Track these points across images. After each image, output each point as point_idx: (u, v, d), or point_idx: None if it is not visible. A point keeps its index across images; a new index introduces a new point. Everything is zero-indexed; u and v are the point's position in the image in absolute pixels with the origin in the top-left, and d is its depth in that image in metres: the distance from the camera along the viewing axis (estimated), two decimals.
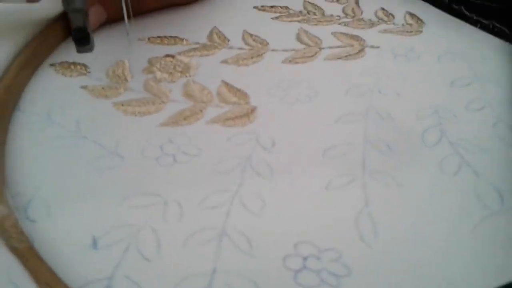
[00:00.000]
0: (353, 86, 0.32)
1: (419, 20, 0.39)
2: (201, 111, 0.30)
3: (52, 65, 0.33)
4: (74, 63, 0.33)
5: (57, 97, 0.30)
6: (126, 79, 0.32)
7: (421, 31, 0.38)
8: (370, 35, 0.37)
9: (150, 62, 0.34)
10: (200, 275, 0.20)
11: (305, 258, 0.21)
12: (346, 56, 0.35)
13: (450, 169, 0.26)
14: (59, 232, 0.22)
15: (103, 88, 0.31)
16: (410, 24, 0.39)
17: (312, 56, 0.35)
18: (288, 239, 0.22)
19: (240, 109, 0.30)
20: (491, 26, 0.38)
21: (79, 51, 0.30)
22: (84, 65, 0.33)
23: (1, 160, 0.25)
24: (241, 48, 0.36)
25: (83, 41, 0.30)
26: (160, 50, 0.35)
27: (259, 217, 0.23)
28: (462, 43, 0.36)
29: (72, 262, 0.21)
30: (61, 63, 0.33)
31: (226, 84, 0.32)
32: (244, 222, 0.22)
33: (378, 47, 0.36)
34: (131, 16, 0.34)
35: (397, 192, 0.24)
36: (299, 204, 0.24)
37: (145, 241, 0.21)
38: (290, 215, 0.23)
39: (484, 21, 0.38)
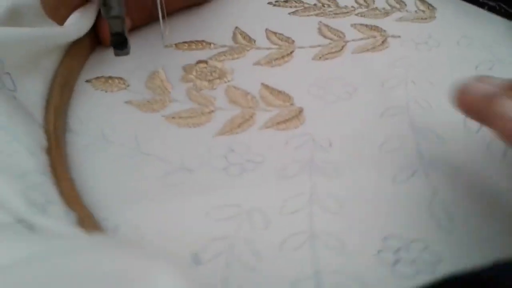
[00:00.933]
0: (386, 78, 0.33)
1: (430, 6, 0.41)
2: (251, 117, 0.30)
3: (88, 81, 0.33)
4: (111, 77, 0.33)
5: (105, 114, 0.30)
6: (167, 90, 0.32)
7: (434, 17, 0.40)
8: (388, 25, 0.39)
9: (185, 69, 0.34)
10: (306, 279, 0.21)
11: (396, 251, 0.22)
12: (372, 48, 0.36)
13: (497, 151, 0.28)
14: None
15: (148, 101, 0.31)
16: (423, 11, 0.41)
17: (339, 50, 0.36)
18: (375, 235, 0.23)
19: (288, 112, 0.31)
20: (497, 8, 0.40)
21: (117, 54, 0.31)
22: (121, 79, 0.33)
23: (75, 188, 0.25)
24: (269, 48, 0.36)
25: (122, 46, 0.31)
26: (190, 56, 0.36)
27: (341, 216, 0.24)
28: (475, 26, 0.38)
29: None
30: (97, 79, 0.33)
31: (267, 86, 0.33)
32: (329, 222, 0.24)
33: (399, 36, 0.37)
34: (165, 17, 0.34)
35: (458, 179, 0.26)
36: (373, 199, 0.25)
37: (243, 252, 0.22)
38: (368, 211, 0.24)
39: (491, 3, 0.40)
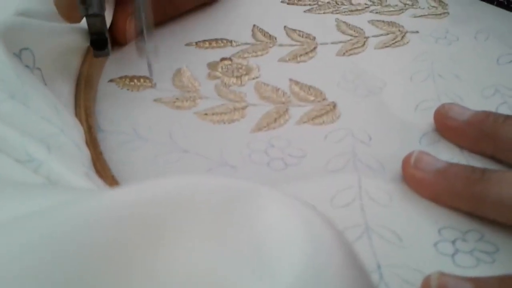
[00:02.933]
0: (414, 72, 0.33)
1: (441, 2, 0.42)
2: (285, 112, 0.30)
3: (111, 80, 0.32)
4: (135, 76, 0.32)
5: (135, 113, 0.30)
6: (195, 87, 0.32)
7: (447, 13, 0.40)
8: (404, 21, 0.39)
9: (210, 67, 0.34)
10: (370, 272, 0.21)
11: (453, 242, 0.22)
12: (393, 43, 0.36)
13: None
14: None
15: (177, 99, 0.31)
16: (435, 7, 0.41)
17: (362, 46, 0.36)
18: (430, 226, 0.23)
19: (322, 106, 0.31)
20: (505, 3, 0.41)
21: (96, 55, 0.30)
22: (146, 78, 0.32)
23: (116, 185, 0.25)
24: (291, 45, 0.36)
25: (101, 46, 0.29)
26: (212, 54, 0.35)
27: (393, 209, 0.24)
28: (488, 21, 0.39)
29: None
30: (121, 78, 0.32)
31: (296, 82, 0.32)
32: (382, 215, 0.24)
33: (417, 32, 0.38)
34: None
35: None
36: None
37: None
38: (418, 203, 0.24)
39: None
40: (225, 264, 0.12)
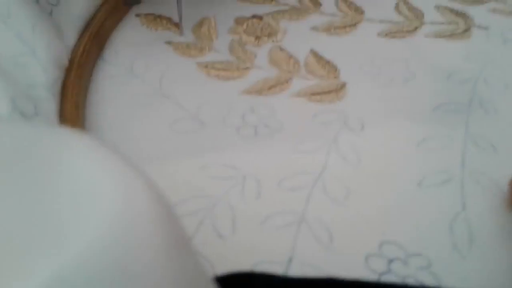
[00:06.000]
0: (455, 71, 0.29)
1: None
2: (287, 81, 0.28)
3: (137, 15, 0.32)
4: (160, 16, 0.32)
5: (141, 50, 0.30)
6: (211, 38, 0.31)
7: None
8: (477, 13, 0.33)
9: (237, 21, 0.32)
10: (275, 263, 0.19)
11: (390, 261, 0.19)
12: (449, 35, 0.31)
13: None
14: None
15: (187, 46, 0.30)
16: None
17: (411, 31, 0.32)
18: (373, 236, 0.20)
19: (329, 84, 0.28)
20: None
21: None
22: (170, 19, 0.32)
23: (81, 110, 0.25)
24: (333, 15, 0.33)
25: None
26: (247, 9, 0.33)
27: (343, 207, 0.21)
28: None
29: None
30: (147, 15, 0.32)
31: (315, 54, 0.30)
32: (326, 210, 0.21)
33: (486, 28, 0.32)
34: None
35: (497, 197, 0.22)
36: (388, 199, 0.22)
37: (221, 217, 0.20)
38: (376, 210, 0.21)
39: None
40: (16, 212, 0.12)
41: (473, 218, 0.21)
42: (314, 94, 0.27)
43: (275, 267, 0.19)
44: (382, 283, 0.17)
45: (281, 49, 0.30)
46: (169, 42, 0.30)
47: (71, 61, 0.26)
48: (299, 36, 0.31)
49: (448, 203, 0.21)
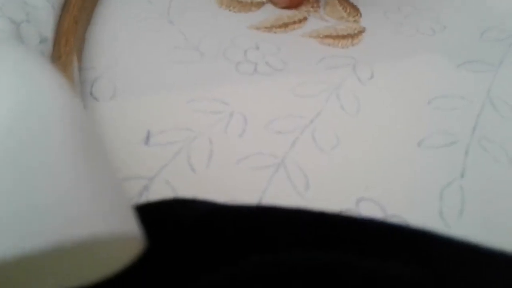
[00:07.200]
0: (491, 27, 0.26)
1: None
2: (300, 20, 0.26)
3: None
4: None
5: None
6: None
7: None
8: None
9: None
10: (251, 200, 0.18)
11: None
12: None
13: None
14: (116, 119, 0.21)
15: None
16: None
17: None
18: (353, 191, 0.19)
19: (346, 28, 0.25)
20: None
21: None
22: None
23: (84, 28, 0.24)
24: None
25: None
26: None
27: (328, 156, 0.20)
28: None
29: (121, 153, 0.20)
30: None
31: None
32: (309, 157, 0.20)
33: None
34: None
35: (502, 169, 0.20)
36: (379, 154, 0.20)
37: (198, 151, 0.20)
38: (363, 164, 0.20)
39: None
40: None
41: (470, 188, 0.19)
42: (327, 37, 0.25)
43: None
44: (330, 214, 0.16)
45: None
46: None
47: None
48: None
49: (446, 167, 0.19)
